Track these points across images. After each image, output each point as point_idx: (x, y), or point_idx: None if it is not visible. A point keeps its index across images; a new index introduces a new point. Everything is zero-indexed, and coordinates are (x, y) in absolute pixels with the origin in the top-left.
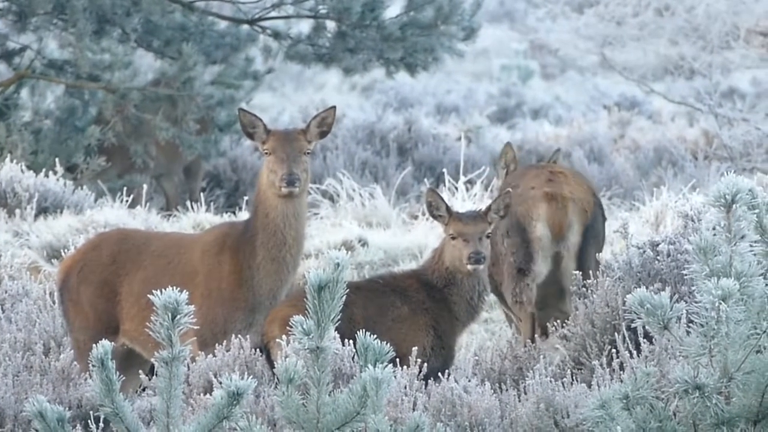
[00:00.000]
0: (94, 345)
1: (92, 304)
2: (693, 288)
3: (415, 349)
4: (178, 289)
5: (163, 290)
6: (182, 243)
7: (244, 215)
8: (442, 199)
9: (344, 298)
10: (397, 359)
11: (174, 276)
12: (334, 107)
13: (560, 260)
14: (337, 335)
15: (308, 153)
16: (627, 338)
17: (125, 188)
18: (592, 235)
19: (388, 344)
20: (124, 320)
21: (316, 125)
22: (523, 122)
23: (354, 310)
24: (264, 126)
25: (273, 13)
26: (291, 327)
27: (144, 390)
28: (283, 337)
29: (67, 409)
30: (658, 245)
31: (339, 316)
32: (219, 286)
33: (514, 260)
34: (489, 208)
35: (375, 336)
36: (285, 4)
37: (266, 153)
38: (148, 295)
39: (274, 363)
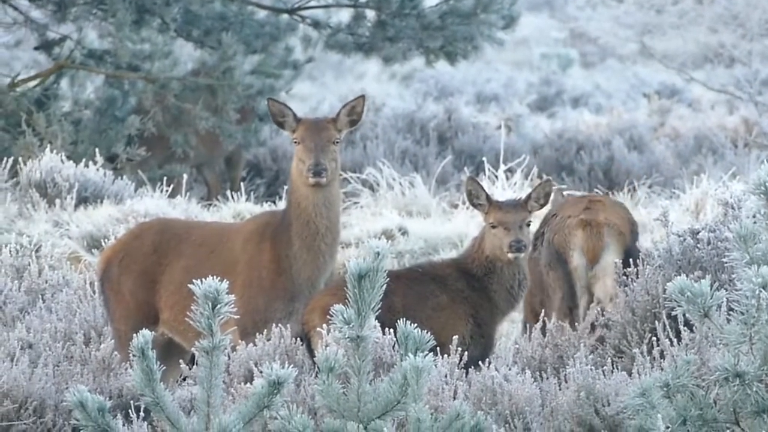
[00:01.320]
0: (134, 335)
1: (133, 293)
2: (733, 276)
3: (455, 337)
4: (219, 278)
5: (204, 279)
6: (223, 232)
7: (283, 204)
8: (482, 188)
9: (384, 287)
10: (437, 348)
11: (215, 265)
12: (363, 96)
13: (595, 283)
14: (378, 324)
15: (337, 142)
16: (667, 326)
17: (165, 178)
18: (631, 258)
19: (428, 333)
20: (164, 309)
21: (346, 114)
22: (563, 111)
23: (393, 299)
24: (293, 115)
25: (312, 3)
26: (331, 316)
27: (185, 379)
28: (323, 325)
29: (107, 398)
30: (698, 233)
31: (379, 305)
32: (260, 275)
33: (563, 297)
34: (529, 197)
35: (414, 325)
36: None
37: (295, 142)
38: (189, 285)
39: (314, 352)
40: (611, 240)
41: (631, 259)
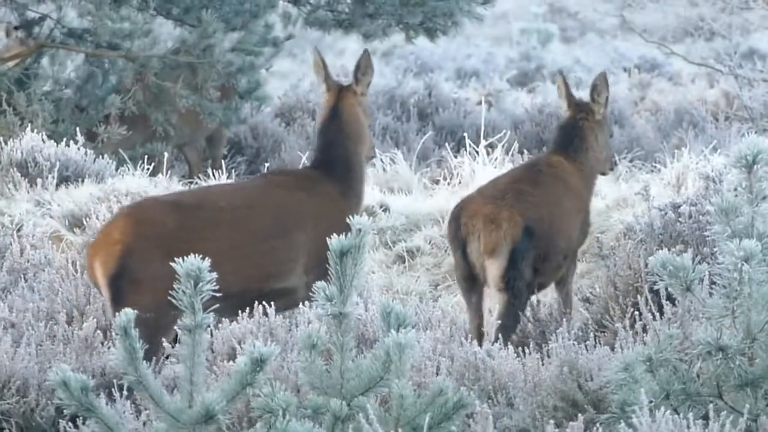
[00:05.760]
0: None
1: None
2: (715, 249)
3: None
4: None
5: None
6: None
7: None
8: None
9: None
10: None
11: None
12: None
13: None
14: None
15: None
16: (650, 300)
17: (146, 156)
18: None
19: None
20: None
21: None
22: (543, 86)
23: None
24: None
25: None
26: (493, 223)
27: (167, 358)
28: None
29: (90, 377)
30: (679, 207)
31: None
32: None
33: None
34: None
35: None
36: None
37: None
38: None
39: (468, 256)
40: None
41: None
